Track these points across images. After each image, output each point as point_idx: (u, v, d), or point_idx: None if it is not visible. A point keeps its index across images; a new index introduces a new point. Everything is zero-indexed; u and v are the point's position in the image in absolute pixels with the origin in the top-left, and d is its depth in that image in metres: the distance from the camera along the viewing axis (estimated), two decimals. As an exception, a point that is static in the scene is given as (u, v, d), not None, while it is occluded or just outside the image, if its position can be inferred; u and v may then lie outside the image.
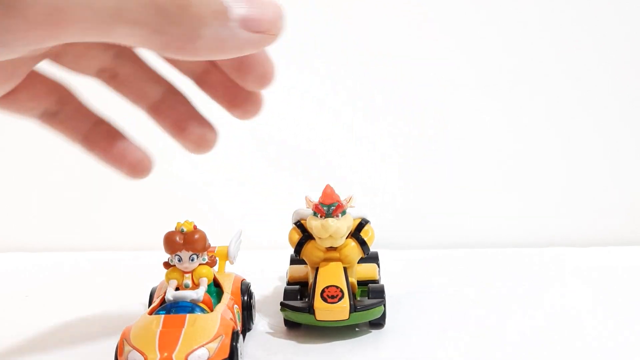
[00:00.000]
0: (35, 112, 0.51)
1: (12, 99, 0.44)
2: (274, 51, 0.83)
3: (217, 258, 0.55)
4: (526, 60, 0.80)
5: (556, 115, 0.81)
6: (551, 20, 0.80)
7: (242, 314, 0.52)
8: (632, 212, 0.80)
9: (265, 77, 0.50)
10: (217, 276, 0.53)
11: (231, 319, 0.48)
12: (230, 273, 0.56)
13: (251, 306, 0.55)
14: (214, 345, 0.43)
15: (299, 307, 0.53)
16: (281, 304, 0.54)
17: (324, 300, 0.51)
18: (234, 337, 0.45)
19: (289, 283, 0.59)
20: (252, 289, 0.56)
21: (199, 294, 0.48)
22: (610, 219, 0.80)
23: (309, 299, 0.53)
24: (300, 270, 0.59)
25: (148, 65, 0.54)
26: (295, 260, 0.60)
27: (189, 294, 0.48)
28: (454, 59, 0.80)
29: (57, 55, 0.47)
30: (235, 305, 0.51)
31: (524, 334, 0.52)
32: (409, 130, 0.81)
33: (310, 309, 0.52)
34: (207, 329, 0.44)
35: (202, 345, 0.43)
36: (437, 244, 0.79)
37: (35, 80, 0.47)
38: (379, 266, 0.62)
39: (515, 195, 0.81)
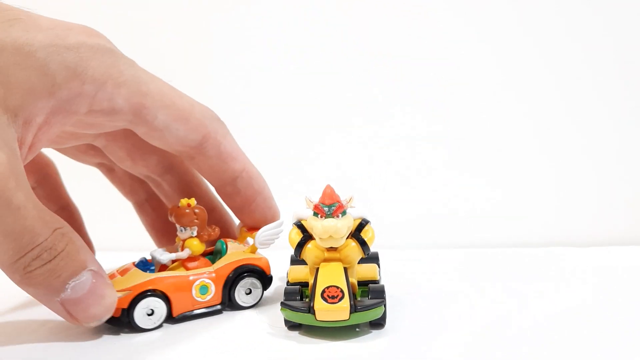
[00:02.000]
0: None
1: None
2: (273, 49, 0.83)
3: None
4: (526, 61, 0.80)
5: (556, 115, 0.81)
6: (551, 20, 0.80)
7: (222, 291, 0.58)
8: (632, 212, 0.80)
9: (262, 221, 0.63)
10: (235, 254, 0.60)
11: (171, 283, 0.56)
12: (249, 255, 0.60)
13: (234, 286, 0.59)
14: (120, 294, 0.53)
15: (299, 308, 0.53)
16: (281, 304, 0.54)
17: (325, 300, 0.51)
18: (145, 294, 0.54)
19: (289, 283, 0.59)
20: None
21: (164, 257, 0.57)
22: (610, 219, 0.80)
23: (309, 299, 0.53)
24: (300, 270, 0.59)
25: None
26: (296, 260, 0.60)
27: (157, 255, 0.57)
28: (454, 59, 0.80)
29: (60, 149, 0.61)
30: (207, 279, 0.57)
31: (524, 334, 0.52)
32: (409, 130, 0.81)
33: (310, 309, 0.52)
34: (129, 281, 0.54)
35: (117, 291, 0.52)
36: (438, 244, 0.79)
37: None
38: (379, 266, 0.62)
39: (516, 195, 0.81)
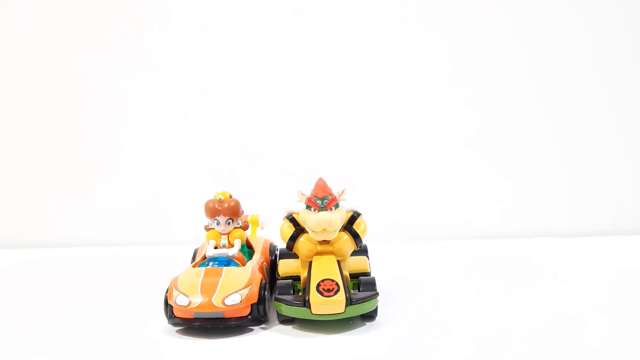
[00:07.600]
0: None
1: None
2: (269, 39, 0.81)
3: (249, 224, 0.63)
4: (521, 60, 0.81)
5: (552, 110, 0.81)
6: (552, 19, 0.80)
7: (270, 269, 0.61)
8: (625, 204, 0.82)
9: None
10: (250, 239, 0.62)
11: (260, 272, 0.56)
12: (261, 237, 0.65)
13: (277, 264, 0.61)
14: (245, 291, 0.52)
15: (294, 302, 0.52)
16: (275, 298, 0.53)
17: (320, 294, 0.51)
18: (262, 286, 0.54)
19: (279, 277, 0.58)
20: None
21: (234, 251, 0.57)
22: (607, 211, 0.81)
23: (303, 293, 0.53)
24: (290, 264, 0.59)
25: None
26: (285, 254, 0.59)
27: (226, 251, 0.57)
28: (450, 58, 0.81)
29: None
30: (264, 262, 0.60)
31: (515, 323, 0.53)
32: (399, 124, 0.81)
33: (305, 303, 0.51)
34: (240, 279, 0.53)
35: (236, 291, 0.52)
36: (426, 236, 0.79)
37: None
38: (368, 258, 0.62)
39: (507, 187, 0.82)
